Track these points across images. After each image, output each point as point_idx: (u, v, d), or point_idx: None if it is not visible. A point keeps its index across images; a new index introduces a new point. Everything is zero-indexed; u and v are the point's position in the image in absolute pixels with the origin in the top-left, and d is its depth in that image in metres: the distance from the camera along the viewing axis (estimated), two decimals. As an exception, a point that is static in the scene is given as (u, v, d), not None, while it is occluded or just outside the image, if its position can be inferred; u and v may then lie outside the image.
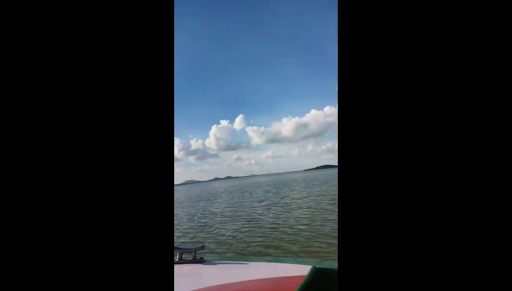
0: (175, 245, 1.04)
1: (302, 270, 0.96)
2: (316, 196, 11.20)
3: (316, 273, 0.97)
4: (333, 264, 1.01)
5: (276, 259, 1.21)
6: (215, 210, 10.25)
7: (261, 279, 0.93)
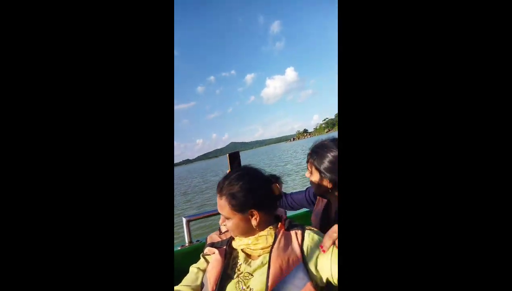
0: None
1: None
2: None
3: None
4: None
5: None
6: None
7: None
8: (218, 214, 1.01)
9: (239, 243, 0.68)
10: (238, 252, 0.68)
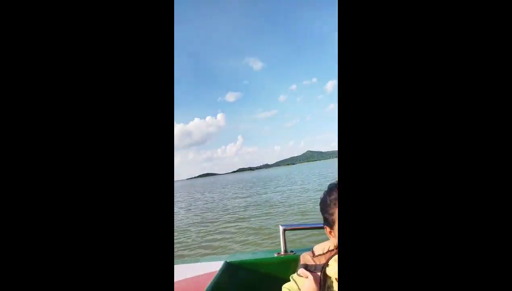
0: None
1: (216, 266, 1.04)
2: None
3: (228, 266, 1.07)
4: (243, 256, 1.16)
5: (191, 260, 1.26)
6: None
7: (176, 281, 0.95)
8: (315, 228, 1.04)
9: (334, 271, 0.65)
10: (332, 281, 0.65)
